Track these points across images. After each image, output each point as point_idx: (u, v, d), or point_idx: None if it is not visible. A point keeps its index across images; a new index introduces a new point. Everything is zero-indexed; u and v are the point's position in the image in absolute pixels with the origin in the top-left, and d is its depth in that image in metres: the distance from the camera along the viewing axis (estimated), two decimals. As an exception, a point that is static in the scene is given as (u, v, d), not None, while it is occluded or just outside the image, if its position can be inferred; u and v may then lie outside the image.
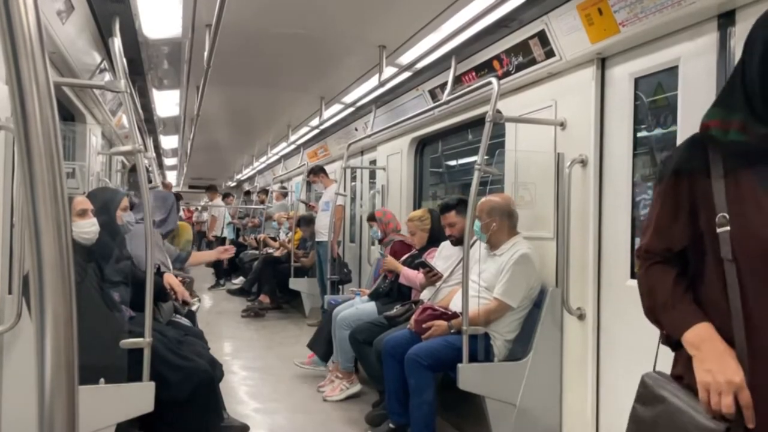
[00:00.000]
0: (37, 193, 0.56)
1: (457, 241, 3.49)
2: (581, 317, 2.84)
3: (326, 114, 5.65)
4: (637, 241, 2.63)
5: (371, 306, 4.00)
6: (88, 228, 2.67)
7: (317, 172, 6.30)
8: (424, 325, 3.05)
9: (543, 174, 3.08)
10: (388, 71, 3.95)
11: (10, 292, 2.34)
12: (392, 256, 4.20)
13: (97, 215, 2.76)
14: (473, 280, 2.97)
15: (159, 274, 3.39)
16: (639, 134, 2.63)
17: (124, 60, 2.60)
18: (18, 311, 2.28)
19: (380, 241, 4.82)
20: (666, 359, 1.45)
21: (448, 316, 3.06)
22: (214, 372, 2.92)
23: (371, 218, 4.93)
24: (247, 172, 12.52)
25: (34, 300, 0.57)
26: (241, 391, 4.04)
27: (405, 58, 3.83)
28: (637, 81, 2.61)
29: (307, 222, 6.69)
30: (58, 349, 0.57)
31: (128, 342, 2.42)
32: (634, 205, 2.63)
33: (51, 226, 0.56)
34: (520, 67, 3.15)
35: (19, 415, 2.31)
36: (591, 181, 2.78)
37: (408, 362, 2.96)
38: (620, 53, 2.66)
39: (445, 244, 3.68)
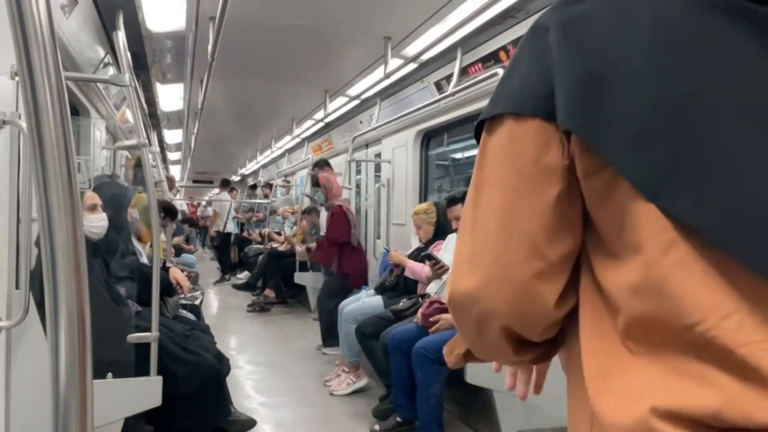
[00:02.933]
0: (50, 186, 0.55)
1: (464, 234, 3.47)
2: (589, 310, 2.82)
3: (331, 107, 5.63)
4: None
5: (377, 300, 4.00)
6: (98, 222, 2.66)
7: (321, 165, 6.28)
8: (431, 319, 3.05)
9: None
10: (394, 63, 3.93)
11: (17, 287, 2.33)
12: (331, 219, 4.83)
13: (103, 209, 2.76)
14: (480, 273, 2.95)
15: (165, 268, 3.39)
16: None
17: (128, 54, 2.58)
18: (25, 306, 2.27)
19: (322, 205, 5.41)
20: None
21: (455, 309, 3.05)
22: (220, 366, 2.93)
23: (315, 183, 5.33)
24: (251, 166, 12.51)
25: (47, 293, 0.56)
26: (248, 385, 4.05)
27: (410, 50, 3.81)
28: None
29: (308, 211, 6.68)
30: (73, 342, 0.57)
31: (135, 337, 2.42)
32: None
33: (64, 218, 0.55)
34: (526, 59, 3.13)
35: (28, 408, 2.31)
36: (599, 173, 2.76)
37: (415, 356, 2.96)
38: (628, 44, 2.63)
39: (452, 237, 3.67)
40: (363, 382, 3.93)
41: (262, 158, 10.64)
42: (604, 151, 0.53)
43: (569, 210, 0.59)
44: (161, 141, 8.62)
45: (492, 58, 3.40)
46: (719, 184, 0.49)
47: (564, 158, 0.57)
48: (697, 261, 0.50)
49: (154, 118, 6.32)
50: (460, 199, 3.51)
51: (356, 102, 5.38)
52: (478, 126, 0.64)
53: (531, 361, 0.73)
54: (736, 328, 0.47)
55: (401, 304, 3.57)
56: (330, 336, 4.69)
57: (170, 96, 5.60)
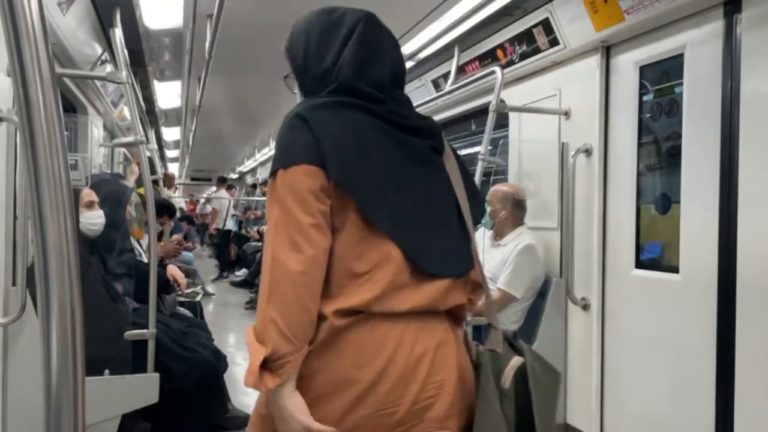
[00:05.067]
0: (41, 182, 0.55)
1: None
2: (586, 307, 2.83)
3: (328, 104, 5.61)
4: (642, 230, 2.63)
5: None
6: (95, 219, 2.67)
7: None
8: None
9: (547, 164, 3.07)
10: (391, 61, 3.92)
11: (14, 284, 2.33)
12: None
13: (101, 207, 2.76)
14: (477, 271, 2.97)
15: (162, 265, 3.39)
16: (644, 123, 2.61)
17: (125, 51, 2.58)
18: (22, 303, 2.28)
19: None
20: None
21: (451, 306, 3.06)
22: (218, 363, 2.93)
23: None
24: (249, 164, 12.50)
25: (39, 290, 0.56)
26: (246, 382, 4.04)
27: (408, 48, 3.80)
28: (642, 69, 2.59)
29: None
30: (65, 338, 0.57)
31: (132, 333, 2.42)
32: (639, 194, 2.62)
33: (55, 214, 0.56)
34: (524, 56, 3.13)
35: (25, 405, 2.32)
36: (595, 170, 2.77)
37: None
38: (625, 41, 2.63)
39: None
40: (360, 379, 3.93)
41: (261, 156, 10.63)
42: (346, 189, 1.14)
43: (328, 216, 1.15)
44: (159, 138, 8.62)
45: (489, 56, 3.40)
46: (388, 204, 1.17)
47: (328, 188, 1.14)
48: (373, 242, 1.16)
49: (151, 115, 6.32)
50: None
51: (354, 99, 5.37)
52: (273, 170, 1.18)
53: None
54: (381, 273, 1.14)
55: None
56: None
57: (168, 93, 5.60)
